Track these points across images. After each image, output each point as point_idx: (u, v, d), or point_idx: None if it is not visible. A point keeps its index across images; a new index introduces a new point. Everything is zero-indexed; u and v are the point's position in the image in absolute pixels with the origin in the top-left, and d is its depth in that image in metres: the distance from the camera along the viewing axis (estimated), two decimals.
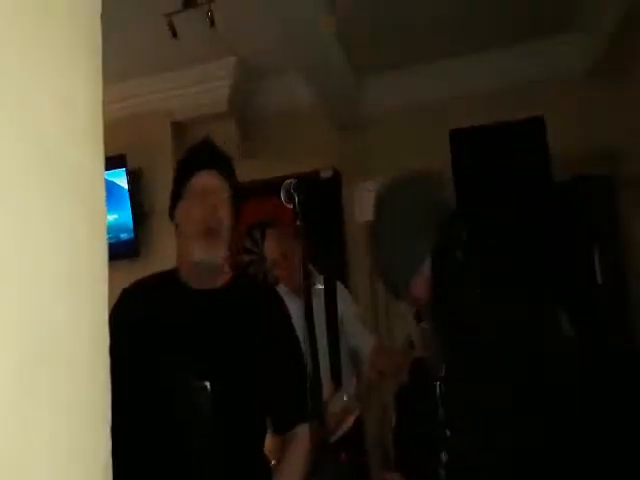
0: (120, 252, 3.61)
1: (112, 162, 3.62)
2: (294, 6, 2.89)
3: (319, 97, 3.84)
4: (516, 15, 3.45)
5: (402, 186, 1.47)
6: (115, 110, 3.83)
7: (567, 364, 1.24)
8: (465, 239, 1.29)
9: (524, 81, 3.80)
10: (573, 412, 1.20)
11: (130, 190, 3.84)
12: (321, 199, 3.97)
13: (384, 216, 1.44)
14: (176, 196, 1.63)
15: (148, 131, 4.02)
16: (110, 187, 3.69)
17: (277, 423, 1.63)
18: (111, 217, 3.79)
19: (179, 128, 4.14)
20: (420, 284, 1.36)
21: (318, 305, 2.57)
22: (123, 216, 3.84)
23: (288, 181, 1.45)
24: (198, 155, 1.66)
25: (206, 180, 1.59)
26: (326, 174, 4.10)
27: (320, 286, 2.70)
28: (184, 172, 1.63)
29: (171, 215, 1.65)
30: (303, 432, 1.50)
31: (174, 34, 3.09)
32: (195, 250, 1.54)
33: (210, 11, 2.95)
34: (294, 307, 1.73)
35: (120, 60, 3.46)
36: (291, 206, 1.41)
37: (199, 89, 3.98)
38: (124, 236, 3.83)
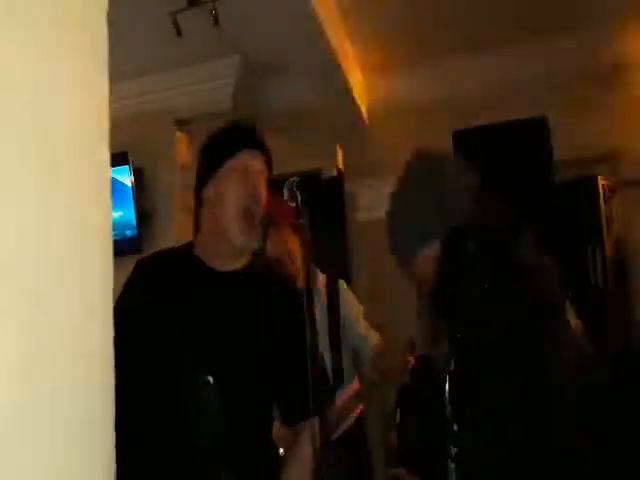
0: (124, 249, 3.62)
1: (115, 159, 3.61)
2: (298, 4, 2.90)
3: (322, 96, 3.84)
4: (518, 15, 3.45)
5: (431, 162, 1.47)
6: (119, 108, 3.83)
7: (573, 360, 1.25)
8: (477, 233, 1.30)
9: (526, 81, 3.80)
10: (581, 407, 1.20)
11: (133, 188, 3.85)
12: (324, 198, 3.97)
13: (407, 188, 1.44)
14: (207, 174, 1.57)
15: (152, 129, 4.02)
16: (114, 185, 3.68)
17: (287, 415, 1.59)
18: (116, 214, 3.80)
19: (183, 126, 4.14)
20: (426, 262, 1.36)
21: (320, 304, 2.57)
22: (127, 213, 3.85)
23: (291, 179, 1.45)
24: (240, 134, 1.61)
25: (248, 160, 1.55)
26: (329, 173, 4.10)
27: (322, 285, 2.70)
28: (222, 150, 1.57)
29: (198, 193, 1.59)
30: (312, 426, 1.48)
31: (178, 32, 3.09)
32: (232, 231, 1.51)
33: (214, 9, 2.95)
34: None
35: (124, 58, 3.46)
36: (294, 204, 1.42)
37: (203, 87, 3.98)
38: (128, 233, 3.84)
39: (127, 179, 3.84)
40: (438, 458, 1.30)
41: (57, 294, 0.52)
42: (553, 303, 1.28)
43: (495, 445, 1.20)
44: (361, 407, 2.77)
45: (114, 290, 0.62)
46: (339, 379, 2.63)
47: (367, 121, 4.26)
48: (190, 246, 1.62)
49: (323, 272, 2.77)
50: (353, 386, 2.75)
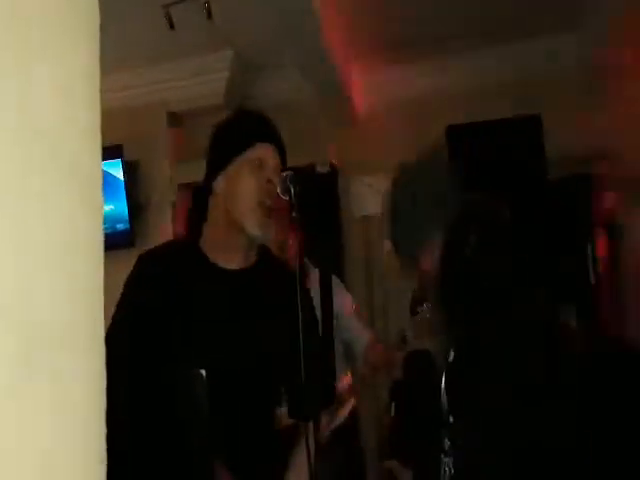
0: (116, 242, 3.62)
1: (108, 153, 3.62)
2: None
3: (316, 91, 3.83)
4: (516, 13, 3.46)
5: (430, 159, 1.48)
6: (111, 101, 3.82)
7: (571, 357, 1.26)
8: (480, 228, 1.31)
9: (523, 79, 3.80)
10: (579, 403, 1.21)
11: (126, 181, 3.84)
12: (318, 193, 3.97)
13: (407, 184, 1.45)
14: (219, 165, 1.55)
15: (144, 122, 4.01)
16: (106, 178, 3.69)
17: (293, 410, 1.58)
18: (107, 207, 3.80)
19: (175, 120, 4.13)
20: (429, 257, 1.37)
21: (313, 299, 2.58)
22: (119, 207, 3.85)
23: (284, 173, 1.45)
24: (255, 126, 1.59)
25: (263, 153, 1.53)
26: (323, 169, 4.10)
27: (315, 280, 2.70)
28: (237, 142, 1.54)
29: (208, 184, 1.56)
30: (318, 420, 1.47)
31: (171, 25, 3.08)
32: (248, 223, 1.49)
33: (207, 3, 2.94)
34: None
35: (117, 51, 3.44)
36: (287, 197, 1.42)
37: (196, 81, 3.97)
38: (120, 226, 3.84)
39: (119, 172, 3.83)
40: (431, 451, 1.31)
41: (47, 285, 0.51)
42: (556, 297, 1.29)
43: (491, 437, 1.20)
44: (353, 402, 2.78)
45: (105, 284, 0.61)
46: (332, 374, 2.63)
47: (361, 117, 4.25)
48: (195, 239, 1.58)
49: (316, 267, 2.77)
50: (345, 379, 2.76)
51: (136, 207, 3.93)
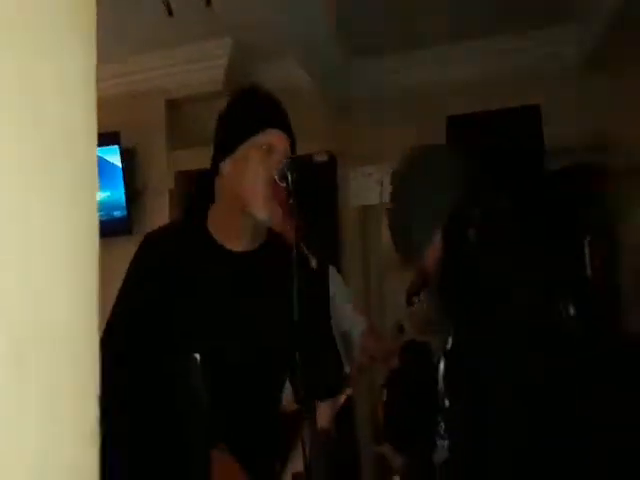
0: (113, 229, 3.62)
1: (106, 139, 3.61)
2: None
3: (315, 79, 3.81)
4: (515, 3, 3.43)
5: (431, 154, 1.49)
6: (109, 87, 3.80)
7: (571, 346, 1.27)
8: (478, 220, 1.31)
9: (522, 69, 3.78)
10: (575, 392, 1.22)
11: (123, 168, 3.83)
12: (316, 182, 3.96)
13: (407, 182, 1.45)
14: (228, 147, 1.54)
15: (142, 109, 3.99)
16: (103, 165, 3.68)
17: (298, 396, 1.55)
18: (104, 194, 3.79)
19: (174, 106, 4.11)
20: (432, 255, 1.38)
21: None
22: (116, 194, 3.83)
23: (283, 160, 1.45)
24: (269, 111, 1.56)
25: (272, 139, 1.51)
26: (321, 157, 4.08)
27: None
28: (246, 126, 1.53)
29: (214, 168, 1.56)
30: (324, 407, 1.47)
31: (170, 12, 3.05)
32: (255, 206, 1.48)
33: None
34: None
35: (115, 37, 3.42)
36: (284, 184, 1.41)
37: (195, 68, 3.95)
38: (117, 214, 3.83)
39: (117, 160, 3.82)
40: (425, 436, 1.32)
41: (40, 278, 0.51)
42: (555, 288, 1.30)
43: (486, 423, 1.21)
44: (350, 390, 2.79)
45: (102, 271, 0.61)
46: None
47: (360, 106, 4.23)
48: (203, 220, 1.58)
49: (313, 256, 2.76)
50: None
51: (134, 194, 3.92)
